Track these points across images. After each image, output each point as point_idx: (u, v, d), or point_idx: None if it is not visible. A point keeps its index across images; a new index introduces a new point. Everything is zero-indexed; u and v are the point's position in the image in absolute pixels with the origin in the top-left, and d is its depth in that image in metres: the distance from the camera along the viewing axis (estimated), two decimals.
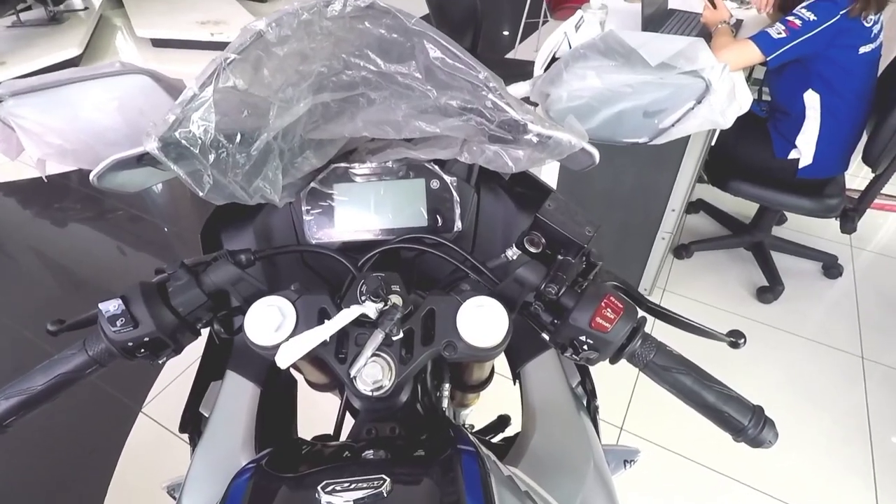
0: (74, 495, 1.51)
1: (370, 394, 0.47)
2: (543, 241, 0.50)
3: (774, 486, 1.56)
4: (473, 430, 0.93)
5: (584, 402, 0.67)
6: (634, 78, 0.53)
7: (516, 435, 0.64)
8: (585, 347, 0.47)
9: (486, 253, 0.60)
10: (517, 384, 0.68)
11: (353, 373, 0.46)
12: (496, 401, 0.89)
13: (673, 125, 0.56)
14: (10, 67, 3.70)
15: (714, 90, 0.52)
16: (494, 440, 0.79)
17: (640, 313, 0.49)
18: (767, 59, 1.60)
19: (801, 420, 1.73)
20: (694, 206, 2.57)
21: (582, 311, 0.47)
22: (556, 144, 0.48)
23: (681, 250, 2.32)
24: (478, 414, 0.98)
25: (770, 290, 2.14)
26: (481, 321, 0.47)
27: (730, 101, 0.53)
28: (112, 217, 2.58)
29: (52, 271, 2.32)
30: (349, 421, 0.62)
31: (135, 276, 0.47)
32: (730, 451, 1.60)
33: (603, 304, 0.46)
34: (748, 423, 0.46)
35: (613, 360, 0.49)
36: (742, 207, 2.38)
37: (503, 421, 0.90)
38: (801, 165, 1.83)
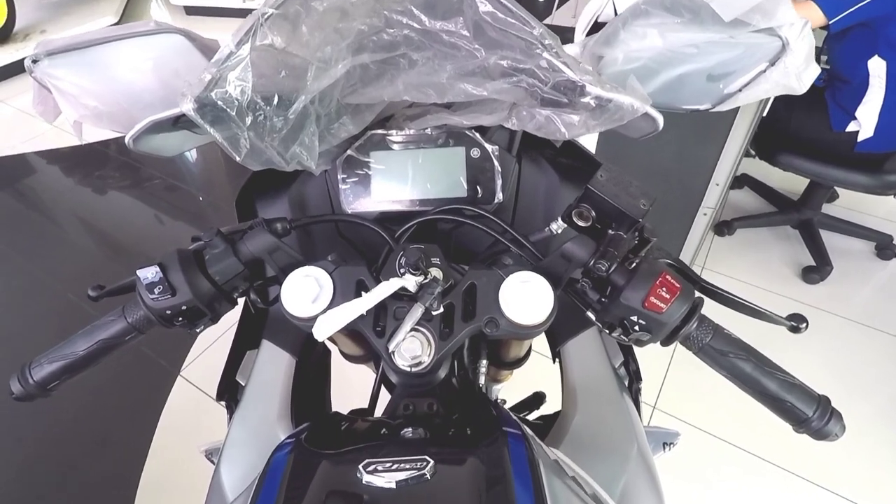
0: (118, 453, 1.57)
1: (408, 369, 0.46)
2: (593, 214, 0.47)
3: (814, 471, 1.51)
4: (507, 407, 0.92)
5: (626, 384, 0.65)
6: (700, 37, 0.48)
7: (555, 414, 0.62)
8: (637, 328, 0.45)
9: (526, 226, 0.57)
10: (556, 362, 0.66)
11: (391, 347, 0.45)
12: (529, 377, 0.87)
13: (740, 90, 0.51)
14: (49, 36, 3.70)
15: (791, 50, 0.47)
16: (530, 417, 0.78)
17: (697, 294, 0.46)
18: (830, 22, 1.48)
19: (846, 405, 1.65)
20: (738, 181, 2.45)
21: (635, 290, 0.44)
22: (616, 109, 0.45)
23: (723, 227, 2.23)
24: (508, 388, 0.97)
25: (817, 271, 2.04)
26: (525, 297, 0.45)
27: (807, 64, 0.48)
28: (149, 186, 2.63)
29: (93, 237, 2.39)
30: (384, 394, 0.61)
31: (171, 244, 0.47)
32: (767, 433, 1.56)
33: (658, 282, 0.43)
34: (812, 415, 0.43)
35: (666, 343, 0.46)
36: (790, 183, 2.26)
37: (538, 398, 0.88)
38: (860, 139, 1.71)
